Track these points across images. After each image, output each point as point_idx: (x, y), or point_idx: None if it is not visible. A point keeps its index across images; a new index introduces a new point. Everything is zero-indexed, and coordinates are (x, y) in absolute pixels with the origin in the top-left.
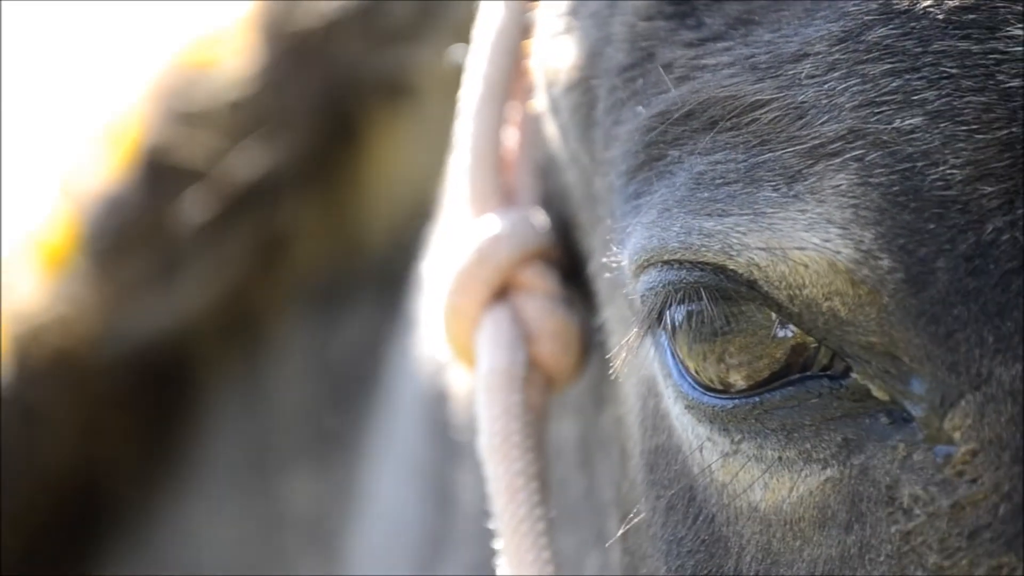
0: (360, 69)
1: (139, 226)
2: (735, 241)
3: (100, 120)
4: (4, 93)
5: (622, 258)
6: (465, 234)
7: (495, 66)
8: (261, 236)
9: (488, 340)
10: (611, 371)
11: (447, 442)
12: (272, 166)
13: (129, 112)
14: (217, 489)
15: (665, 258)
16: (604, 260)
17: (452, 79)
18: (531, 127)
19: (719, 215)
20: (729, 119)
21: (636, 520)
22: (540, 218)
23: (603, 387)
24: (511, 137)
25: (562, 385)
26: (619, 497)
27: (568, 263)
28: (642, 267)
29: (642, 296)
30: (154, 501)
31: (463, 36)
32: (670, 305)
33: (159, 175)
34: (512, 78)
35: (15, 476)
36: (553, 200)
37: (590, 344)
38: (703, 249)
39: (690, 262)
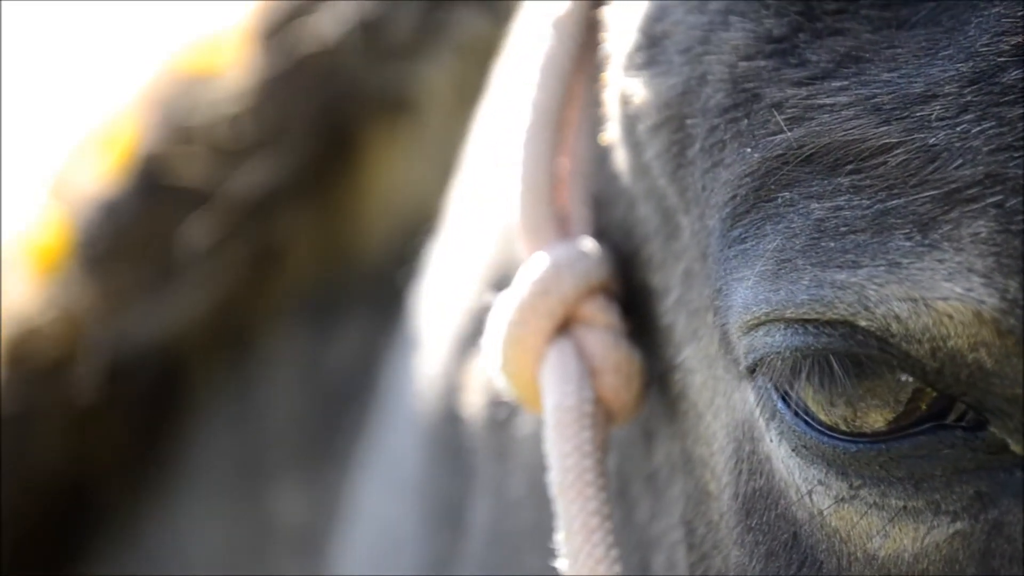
0: (359, 84)
1: (133, 233)
2: (872, 293)
3: (94, 124)
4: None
5: (726, 305)
6: (523, 265)
7: (546, 93)
8: (256, 248)
9: (554, 375)
10: (681, 407)
11: (456, 464)
12: (269, 178)
13: (123, 117)
14: (206, 497)
15: (788, 315)
16: (684, 297)
17: (452, 95)
18: (585, 156)
19: (850, 267)
20: (852, 162)
21: (726, 566)
22: (599, 250)
23: (653, 422)
24: (562, 166)
25: (622, 420)
26: (693, 539)
27: (625, 297)
28: (759, 322)
29: (760, 357)
30: (143, 508)
31: (464, 53)
32: (798, 372)
33: (153, 183)
34: (563, 106)
35: (4, 480)
36: (609, 232)
37: (649, 379)
38: (836, 302)
39: (816, 322)
